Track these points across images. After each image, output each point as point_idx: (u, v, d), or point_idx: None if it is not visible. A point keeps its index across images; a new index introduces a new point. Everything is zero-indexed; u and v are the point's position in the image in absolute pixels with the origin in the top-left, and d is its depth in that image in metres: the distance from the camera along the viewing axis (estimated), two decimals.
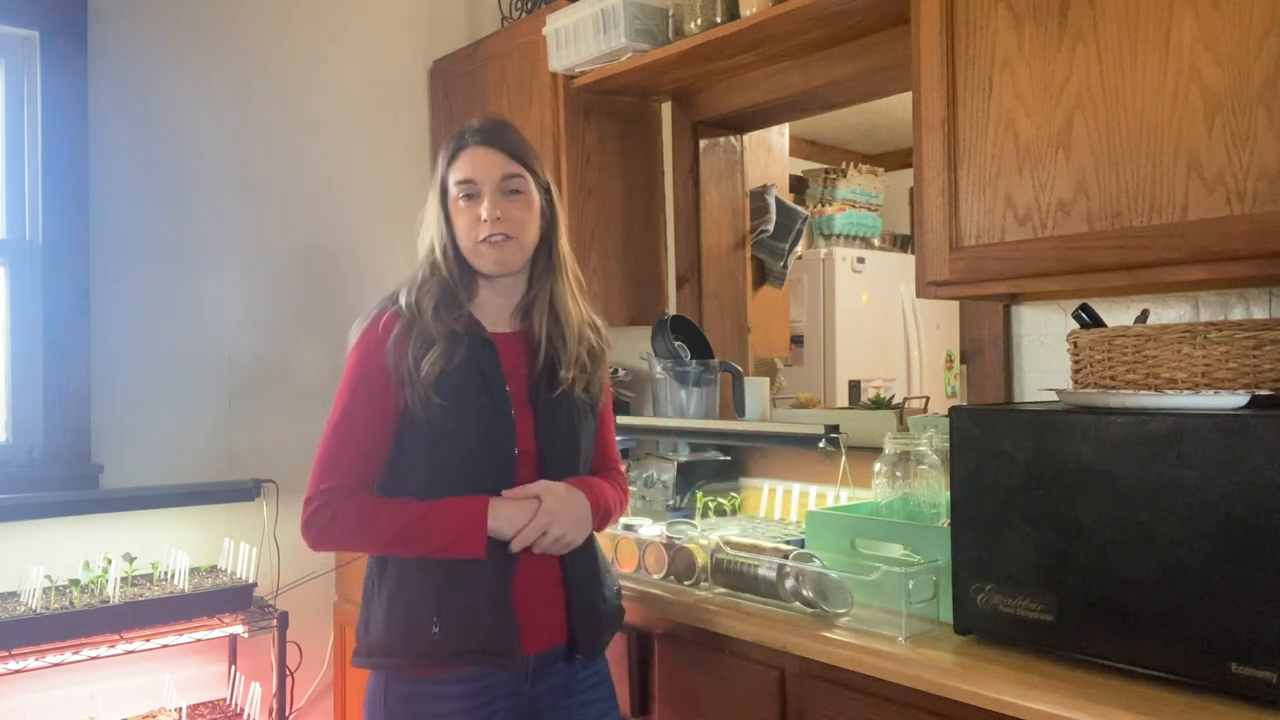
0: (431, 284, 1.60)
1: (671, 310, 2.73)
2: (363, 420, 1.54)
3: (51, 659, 2.15)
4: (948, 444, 1.51)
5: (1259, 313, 1.65)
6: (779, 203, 3.05)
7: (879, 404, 2.36)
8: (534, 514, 1.52)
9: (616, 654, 1.89)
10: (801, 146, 4.72)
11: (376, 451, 1.55)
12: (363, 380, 1.55)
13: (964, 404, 1.64)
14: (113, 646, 2.22)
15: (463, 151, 1.62)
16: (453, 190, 1.61)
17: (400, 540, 1.51)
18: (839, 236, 4.26)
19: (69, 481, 2.51)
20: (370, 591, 1.60)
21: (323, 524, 1.51)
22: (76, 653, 2.18)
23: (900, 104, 2.26)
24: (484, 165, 1.59)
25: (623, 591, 1.76)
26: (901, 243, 4.70)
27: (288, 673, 2.52)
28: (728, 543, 1.82)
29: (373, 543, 1.54)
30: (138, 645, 2.26)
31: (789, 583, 1.68)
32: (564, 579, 1.60)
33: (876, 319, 4.21)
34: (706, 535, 1.92)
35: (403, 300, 1.59)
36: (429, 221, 1.66)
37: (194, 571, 2.54)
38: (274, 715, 2.49)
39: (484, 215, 1.57)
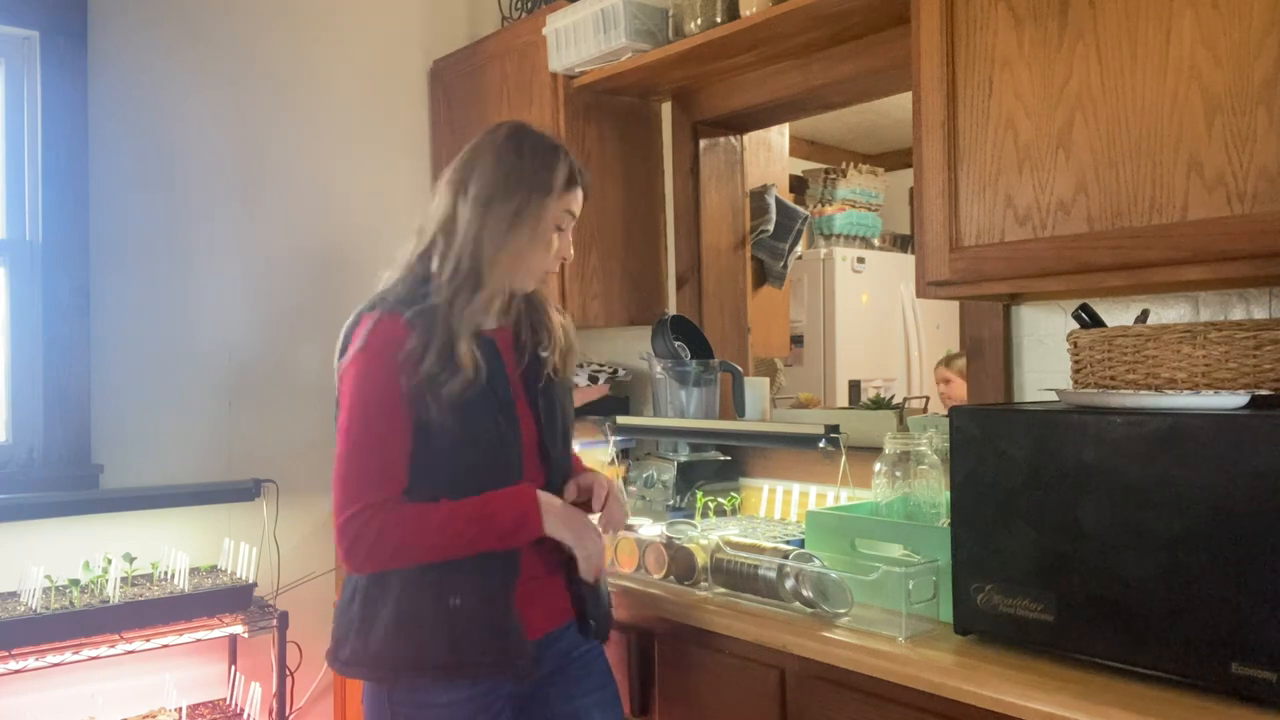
0: (467, 293, 1.53)
1: (671, 310, 2.73)
2: (385, 433, 1.49)
3: (51, 659, 2.15)
4: (948, 444, 1.51)
5: (1259, 313, 1.65)
6: (779, 203, 3.05)
7: (879, 404, 2.36)
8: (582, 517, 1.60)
9: (616, 654, 1.89)
10: (801, 146, 4.72)
11: (402, 463, 1.50)
12: (378, 393, 1.49)
13: (964, 404, 1.64)
14: (113, 646, 2.22)
15: (576, 188, 1.63)
16: (557, 215, 1.60)
17: (458, 540, 1.48)
18: (839, 236, 4.27)
19: (69, 481, 2.51)
20: (367, 601, 1.53)
21: (370, 541, 1.45)
22: (76, 653, 2.18)
23: (900, 104, 2.25)
24: (580, 207, 1.66)
25: (624, 589, 1.84)
26: (901, 243, 4.70)
27: (288, 673, 2.52)
28: (728, 543, 1.82)
29: (431, 549, 1.48)
30: (138, 645, 2.26)
31: (789, 583, 1.68)
32: (566, 564, 1.62)
33: (876, 319, 4.21)
34: (706, 535, 1.92)
35: (439, 309, 1.51)
36: (519, 228, 1.55)
37: (194, 571, 2.54)
38: (274, 715, 2.49)
39: (566, 254, 1.65)
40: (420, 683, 1.51)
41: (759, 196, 3.02)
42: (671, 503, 2.40)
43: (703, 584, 1.83)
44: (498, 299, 1.58)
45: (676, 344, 2.47)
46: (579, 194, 1.64)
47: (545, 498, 1.55)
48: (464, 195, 1.57)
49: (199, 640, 2.40)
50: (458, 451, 1.52)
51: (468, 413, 1.51)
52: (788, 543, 1.84)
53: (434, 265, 1.56)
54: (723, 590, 1.79)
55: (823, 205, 4.30)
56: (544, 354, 1.66)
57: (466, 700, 1.51)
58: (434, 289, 1.54)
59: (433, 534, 1.47)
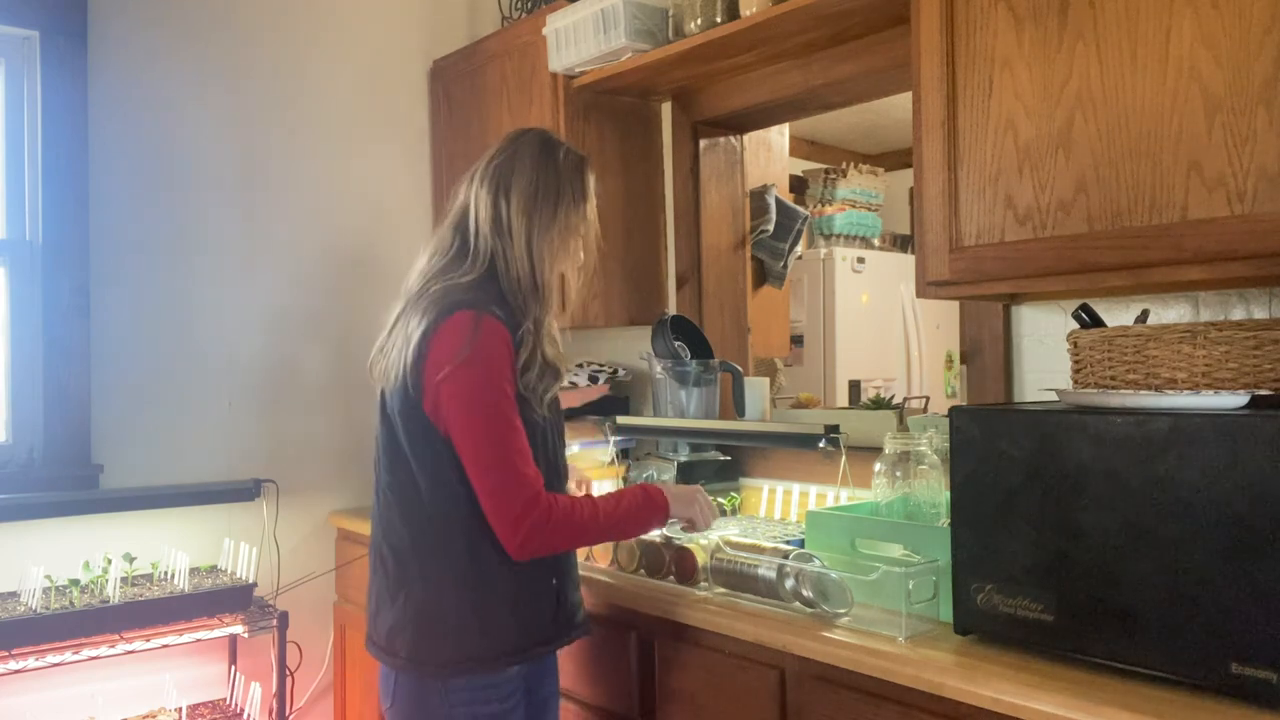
0: (535, 300, 1.63)
1: (671, 310, 2.73)
2: (519, 427, 1.56)
3: (51, 659, 2.15)
4: (948, 444, 1.51)
5: (1259, 313, 1.65)
6: (779, 203, 3.05)
7: (879, 404, 2.35)
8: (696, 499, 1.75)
9: (616, 653, 1.89)
10: (801, 146, 4.71)
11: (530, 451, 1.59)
12: (505, 392, 1.55)
13: (964, 404, 1.64)
14: (113, 646, 2.22)
15: (593, 197, 1.74)
16: (588, 224, 1.71)
17: (612, 530, 1.64)
18: (839, 236, 4.26)
19: (69, 481, 2.51)
20: (478, 597, 1.58)
21: (551, 526, 1.53)
22: (76, 653, 2.18)
23: (900, 104, 2.25)
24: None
25: (625, 589, 1.88)
26: (901, 243, 4.70)
27: (288, 673, 2.52)
28: (728, 543, 1.82)
29: (587, 541, 1.65)
30: (138, 645, 2.26)
31: (789, 583, 1.68)
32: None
33: (876, 319, 4.21)
34: (706, 535, 1.92)
35: (548, 340, 1.64)
36: (561, 233, 1.66)
37: (194, 571, 2.54)
38: (274, 715, 2.49)
39: (581, 263, 1.74)
40: (509, 664, 1.60)
41: (759, 196, 3.02)
42: None
43: (702, 584, 1.83)
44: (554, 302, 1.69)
45: (676, 344, 2.47)
46: (595, 202, 1.75)
47: (667, 489, 1.71)
48: (505, 198, 1.64)
49: (199, 640, 2.40)
50: (555, 449, 1.68)
51: (550, 412, 1.67)
52: (788, 543, 1.84)
53: (501, 266, 1.64)
54: (723, 590, 1.79)
55: (823, 205, 4.30)
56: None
57: (515, 677, 1.62)
58: (508, 291, 1.63)
59: (596, 524, 1.60)
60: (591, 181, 1.71)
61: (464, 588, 1.57)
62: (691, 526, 1.76)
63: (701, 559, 1.84)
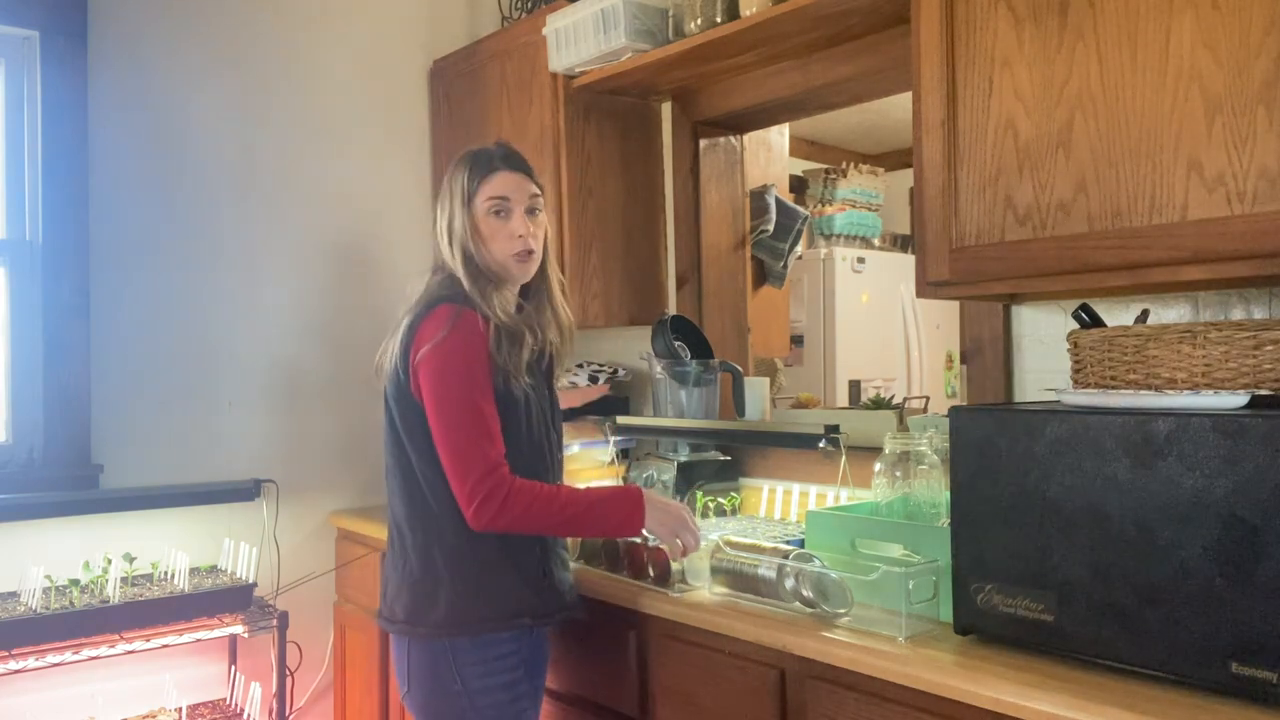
0: (491, 289, 1.76)
1: (671, 310, 2.73)
2: (486, 405, 1.68)
3: (51, 659, 2.15)
4: (948, 444, 1.51)
5: (1259, 313, 1.65)
6: (779, 203, 3.05)
7: (879, 404, 2.35)
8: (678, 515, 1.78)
9: (616, 654, 1.89)
10: (801, 146, 4.71)
11: (499, 431, 1.69)
12: (475, 371, 1.68)
13: (964, 404, 1.64)
14: (113, 646, 2.22)
15: (494, 174, 1.80)
16: (483, 205, 1.79)
17: (572, 523, 1.71)
18: (839, 236, 4.26)
19: (69, 481, 2.51)
20: (465, 564, 1.71)
21: (499, 502, 1.62)
22: (76, 653, 2.18)
23: (900, 104, 2.25)
24: (514, 186, 1.81)
25: (623, 589, 1.89)
26: (901, 243, 4.69)
27: (288, 673, 2.53)
28: (728, 542, 1.82)
29: (548, 525, 1.71)
30: (138, 645, 2.26)
31: (789, 583, 1.68)
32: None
33: (876, 319, 4.21)
34: (706, 535, 1.91)
35: (496, 308, 1.74)
36: (456, 229, 1.79)
37: (194, 571, 2.54)
38: (274, 715, 2.49)
39: (519, 231, 1.79)
40: (500, 629, 1.71)
41: (759, 196, 3.02)
42: None
43: (679, 585, 1.83)
44: (505, 289, 1.80)
45: (676, 344, 2.47)
46: (498, 178, 1.80)
47: (649, 497, 1.74)
48: (435, 216, 1.86)
49: (199, 640, 2.40)
50: (534, 425, 1.76)
51: (537, 392, 1.78)
52: (788, 543, 1.84)
53: (455, 268, 1.79)
54: (723, 590, 1.79)
55: (823, 205, 4.30)
56: (557, 368, 1.89)
57: (514, 652, 1.73)
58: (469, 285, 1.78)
59: (553, 510, 1.67)
60: (463, 176, 1.80)
61: (452, 555, 1.72)
62: (675, 547, 1.80)
63: (676, 563, 1.84)
